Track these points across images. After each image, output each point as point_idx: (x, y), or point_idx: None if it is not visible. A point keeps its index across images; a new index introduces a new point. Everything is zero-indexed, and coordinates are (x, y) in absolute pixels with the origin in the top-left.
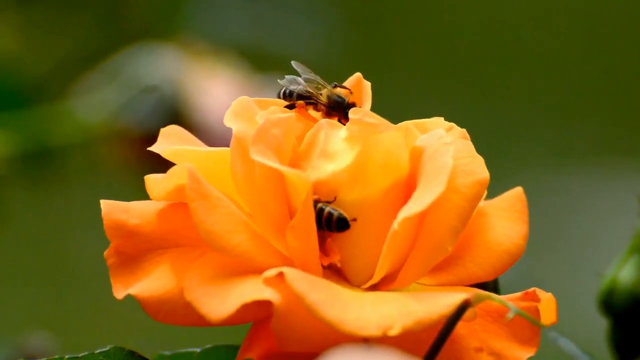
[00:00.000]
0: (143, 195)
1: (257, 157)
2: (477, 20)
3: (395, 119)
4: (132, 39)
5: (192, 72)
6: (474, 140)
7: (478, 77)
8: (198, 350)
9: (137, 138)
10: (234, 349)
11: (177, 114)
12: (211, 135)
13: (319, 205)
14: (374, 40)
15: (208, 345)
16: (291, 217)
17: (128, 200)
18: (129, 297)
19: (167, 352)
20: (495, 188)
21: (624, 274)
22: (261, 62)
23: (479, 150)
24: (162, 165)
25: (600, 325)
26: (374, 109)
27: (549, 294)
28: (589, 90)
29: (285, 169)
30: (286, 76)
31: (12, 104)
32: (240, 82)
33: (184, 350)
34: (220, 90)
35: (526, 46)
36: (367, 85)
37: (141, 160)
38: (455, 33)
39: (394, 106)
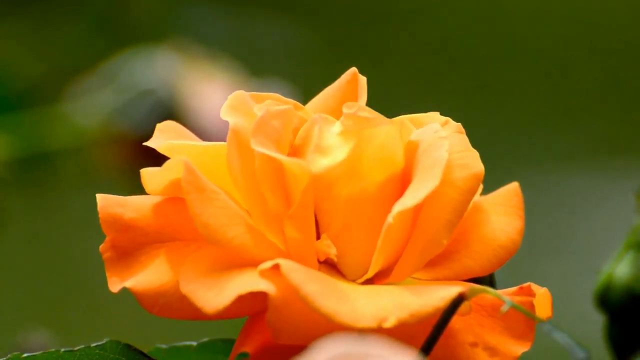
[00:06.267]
0: None
1: (258, 147)
2: (476, 19)
3: (392, 116)
4: (127, 43)
5: (188, 76)
6: (473, 140)
7: (477, 77)
8: (194, 344)
9: (132, 142)
10: (230, 343)
11: (172, 117)
12: (206, 139)
13: None
14: (372, 37)
15: (204, 339)
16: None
17: None
18: (125, 295)
19: (163, 346)
20: (494, 188)
21: (620, 270)
22: (256, 65)
23: (479, 150)
24: None
25: (598, 322)
26: (370, 105)
27: (544, 288)
28: (589, 91)
29: (285, 159)
30: None
31: (7, 107)
32: (236, 86)
33: (180, 343)
34: (216, 94)
35: (526, 46)
36: (363, 79)
37: (136, 163)
38: (455, 32)
39: (391, 104)
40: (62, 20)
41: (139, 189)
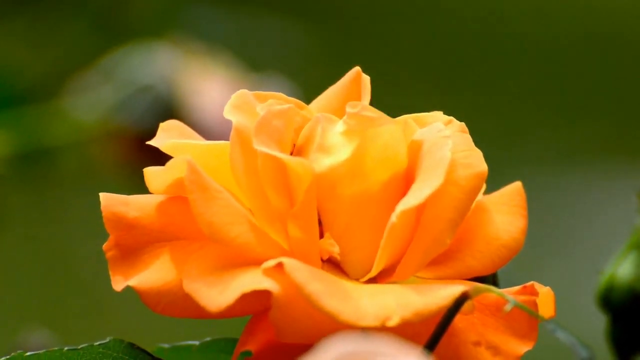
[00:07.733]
0: (138, 194)
1: (260, 147)
2: (477, 18)
3: (394, 116)
4: (126, 39)
5: (187, 72)
6: (475, 140)
7: (478, 77)
8: (197, 343)
9: (132, 137)
10: (232, 342)
11: (172, 113)
12: (206, 135)
13: None
14: (373, 36)
15: (207, 339)
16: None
17: None
18: (127, 294)
19: (166, 345)
20: (495, 188)
21: (622, 270)
22: (255, 61)
23: (480, 149)
24: (157, 164)
25: (600, 323)
26: (372, 104)
27: (547, 287)
28: (590, 90)
29: (288, 158)
30: None
31: (6, 103)
32: (235, 82)
33: (183, 343)
34: (215, 90)
35: (527, 46)
36: (366, 79)
37: (135, 159)
38: (456, 31)
39: (392, 104)
40: (62, 16)
41: (139, 184)
